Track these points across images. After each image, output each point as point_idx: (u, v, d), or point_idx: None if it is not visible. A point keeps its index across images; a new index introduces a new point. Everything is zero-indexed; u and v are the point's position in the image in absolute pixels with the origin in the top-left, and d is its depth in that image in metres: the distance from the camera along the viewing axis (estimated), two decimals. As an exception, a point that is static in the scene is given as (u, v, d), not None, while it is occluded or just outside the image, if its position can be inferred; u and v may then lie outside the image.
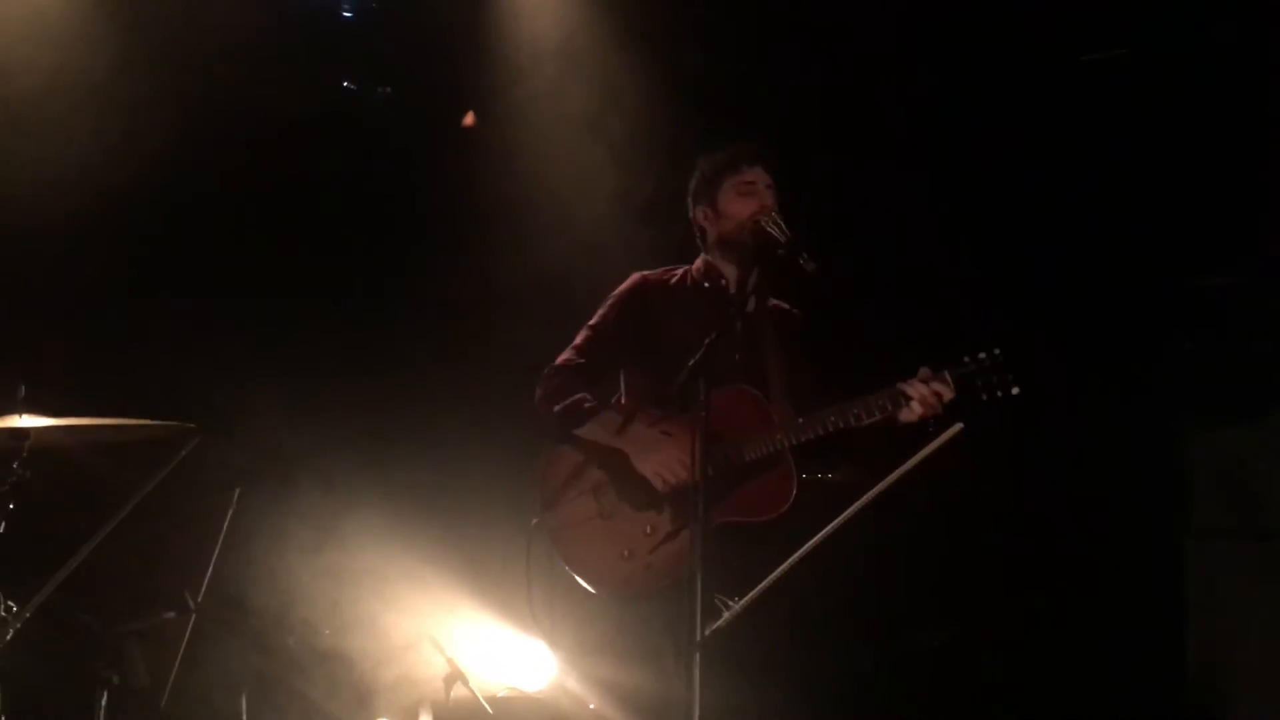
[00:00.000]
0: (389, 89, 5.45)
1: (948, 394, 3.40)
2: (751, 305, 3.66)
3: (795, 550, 3.19)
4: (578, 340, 3.74)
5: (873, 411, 3.43)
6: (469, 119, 5.41)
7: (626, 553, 3.49)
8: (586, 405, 3.61)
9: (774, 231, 3.50)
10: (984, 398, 3.39)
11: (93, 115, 4.66)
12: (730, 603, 3.26)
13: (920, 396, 3.39)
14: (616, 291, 3.76)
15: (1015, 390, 3.37)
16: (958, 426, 3.38)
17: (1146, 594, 4.39)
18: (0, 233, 4.62)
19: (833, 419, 3.44)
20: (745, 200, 3.63)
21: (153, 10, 4.76)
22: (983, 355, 3.41)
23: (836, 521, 3.23)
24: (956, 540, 4.43)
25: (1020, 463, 4.38)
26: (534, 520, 3.65)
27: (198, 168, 4.94)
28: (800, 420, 3.46)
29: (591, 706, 4.45)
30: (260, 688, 4.72)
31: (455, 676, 4.45)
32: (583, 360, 3.70)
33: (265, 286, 5.11)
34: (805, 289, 3.50)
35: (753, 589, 3.26)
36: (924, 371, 3.41)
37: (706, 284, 3.70)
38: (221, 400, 4.77)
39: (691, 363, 3.21)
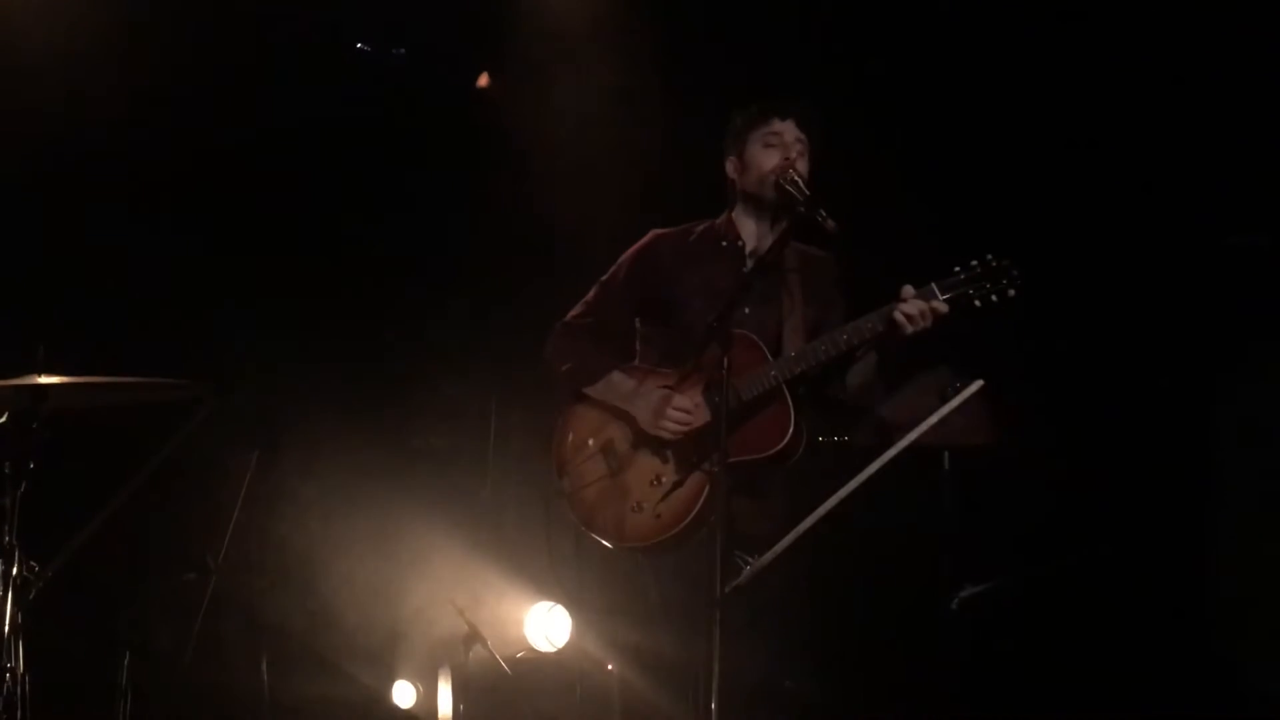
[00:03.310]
0: (403, 50, 5.42)
1: (940, 306, 3.36)
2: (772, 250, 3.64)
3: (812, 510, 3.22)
4: (589, 296, 3.73)
5: (863, 333, 3.41)
6: (483, 80, 5.39)
7: (635, 505, 3.50)
8: (593, 365, 3.62)
9: (792, 190, 3.48)
10: (977, 304, 3.35)
11: (101, 76, 4.65)
12: (750, 560, 3.28)
13: (906, 309, 3.35)
14: (631, 249, 3.75)
15: (1012, 293, 3.32)
16: (978, 383, 3.38)
17: (1172, 556, 4.39)
18: (19, 194, 4.62)
19: (823, 348, 3.42)
20: (769, 153, 3.59)
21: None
22: (974, 263, 3.37)
23: (856, 480, 3.22)
24: (979, 503, 4.42)
25: (1046, 426, 4.37)
26: (554, 488, 3.66)
27: (208, 130, 4.93)
28: (792, 354, 3.46)
29: (610, 668, 4.47)
30: (280, 649, 4.75)
31: (474, 638, 4.47)
32: (592, 318, 3.69)
33: (281, 248, 5.11)
34: (829, 242, 3.47)
35: (765, 542, 3.28)
36: (907, 289, 3.37)
37: (724, 243, 3.69)
38: (239, 362, 4.78)
39: (709, 324, 3.22)
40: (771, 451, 3.44)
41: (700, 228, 3.74)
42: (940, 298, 3.36)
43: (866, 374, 3.58)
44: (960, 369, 3.86)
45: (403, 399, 5.35)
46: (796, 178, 3.49)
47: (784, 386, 3.44)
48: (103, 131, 4.67)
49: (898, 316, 3.37)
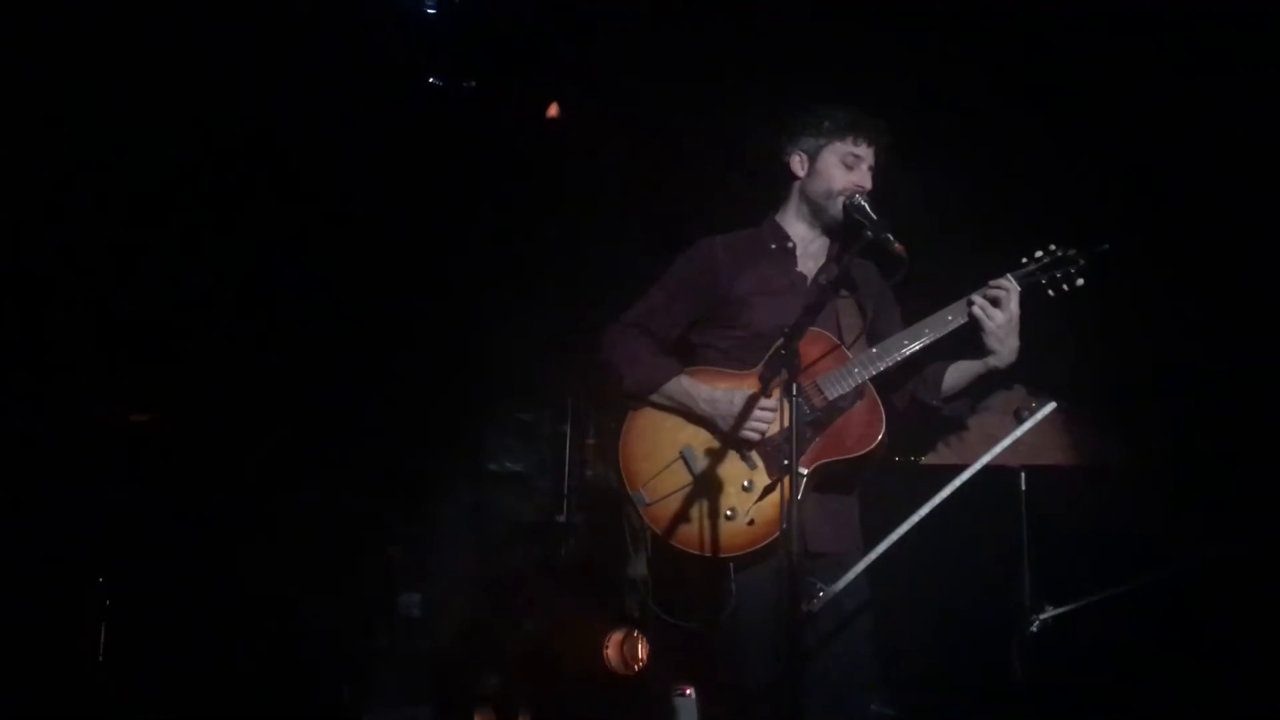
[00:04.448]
0: (473, 82, 5.48)
1: (1013, 288, 3.41)
2: (826, 269, 3.65)
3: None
4: (644, 299, 3.70)
5: (944, 324, 3.44)
6: (553, 110, 5.44)
7: (729, 513, 3.43)
8: (660, 369, 3.59)
9: (860, 217, 3.50)
10: (1050, 293, 3.43)
11: (177, 115, 4.75)
12: (824, 586, 3.28)
13: (981, 301, 3.42)
14: (685, 253, 3.72)
15: (1080, 282, 3.41)
16: (1051, 405, 3.39)
17: (1258, 572, 4.31)
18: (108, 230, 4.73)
19: (905, 341, 3.44)
20: (844, 172, 3.59)
21: (235, 9, 4.83)
22: (1040, 253, 3.45)
23: (932, 501, 3.23)
24: (1057, 523, 4.37)
25: (1123, 444, 4.31)
26: (633, 499, 3.60)
27: (286, 166, 5.02)
28: (874, 350, 3.46)
29: (688, 691, 4.47)
30: (362, 675, 4.82)
31: (552, 661, 4.50)
32: (646, 322, 3.66)
33: (351, 275, 5.17)
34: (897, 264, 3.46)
35: (836, 562, 3.34)
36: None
37: (773, 245, 3.69)
38: (306, 393, 4.84)
39: (782, 344, 3.19)
40: (864, 451, 3.43)
41: (746, 233, 3.74)
42: (1014, 281, 3.42)
43: (962, 383, 3.56)
44: (1035, 389, 3.85)
45: (477, 424, 5.40)
46: (864, 204, 3.51)
47: (869, 384, 3.45)
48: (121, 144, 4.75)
49: (975, 310, 3.39)
